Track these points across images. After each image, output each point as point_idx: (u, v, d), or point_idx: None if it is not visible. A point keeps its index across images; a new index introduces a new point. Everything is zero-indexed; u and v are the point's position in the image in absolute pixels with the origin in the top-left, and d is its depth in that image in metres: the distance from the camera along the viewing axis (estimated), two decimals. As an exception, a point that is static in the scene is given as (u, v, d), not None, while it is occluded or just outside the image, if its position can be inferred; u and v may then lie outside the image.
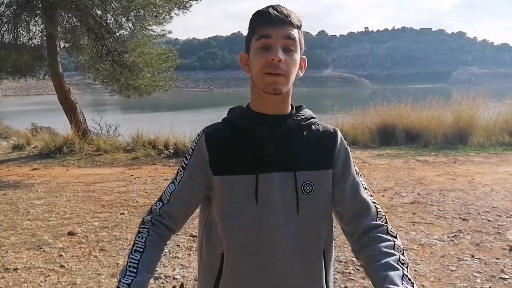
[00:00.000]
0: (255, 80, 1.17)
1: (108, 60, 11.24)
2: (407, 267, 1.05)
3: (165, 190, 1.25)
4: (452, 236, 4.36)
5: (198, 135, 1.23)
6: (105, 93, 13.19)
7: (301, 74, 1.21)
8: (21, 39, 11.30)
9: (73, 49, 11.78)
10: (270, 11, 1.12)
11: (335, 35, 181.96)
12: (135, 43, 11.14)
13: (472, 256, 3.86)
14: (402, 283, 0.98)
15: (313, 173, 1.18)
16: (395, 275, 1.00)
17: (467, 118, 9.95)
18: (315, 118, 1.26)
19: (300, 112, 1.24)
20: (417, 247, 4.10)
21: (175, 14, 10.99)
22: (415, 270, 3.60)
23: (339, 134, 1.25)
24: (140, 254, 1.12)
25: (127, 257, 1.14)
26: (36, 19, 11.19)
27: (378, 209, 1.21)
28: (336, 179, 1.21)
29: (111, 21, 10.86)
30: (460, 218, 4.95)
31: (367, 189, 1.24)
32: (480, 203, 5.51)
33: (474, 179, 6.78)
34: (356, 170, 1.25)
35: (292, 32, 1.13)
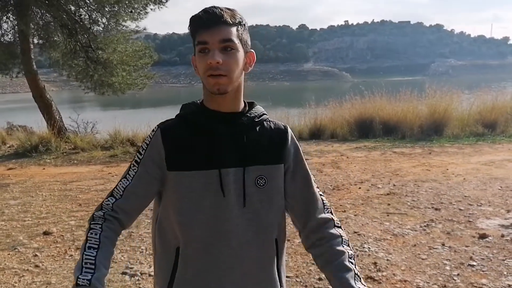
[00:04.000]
0: (203, 82, 1.21)
1: (82, 57, 11.05)
2: (354, 260, 1.20)
3: (116, 185, 1.23)
4: (425, 226, 4.47)
5: (153, 130, 1.25)
6: (82, 90, 12.95)
7: (250, 68, 1.24)
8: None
9: (46, 46, 11.54)
10: (201, 15, 1.14)
11: (316, 29, 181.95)
12: (109, 39, 10.98)
13: (443, 245, 3.96)
14: (355, 283, 1.13)
15: (266, 167, 1.24)
16: (349, 276, 1.15)
17: (442, 110, 10.16)
18: (266, 114, 1.30)
19: (253, 109, 1.28)
20: (390, 237, 4.19)
21: (151, 9, 10.88)
22: (387, 260, 3.68)
23: (290, 131, 1.32)
24: (95, 250, 1.10)
25: (80, 254, 1.12)
26: (8, 15, 10.93)
27: (324, 202, 1.31)
28: (289, 175, 1.28)
29: (85, 17, 10.69)
30: (432, 208, 5.07)
31: (314, 184, 1.32)
32: (453, 192, 5.65)
33: (447, 169, 6.93)
34: (307, 168, 1.32)
35: (227, 32, 1.14)
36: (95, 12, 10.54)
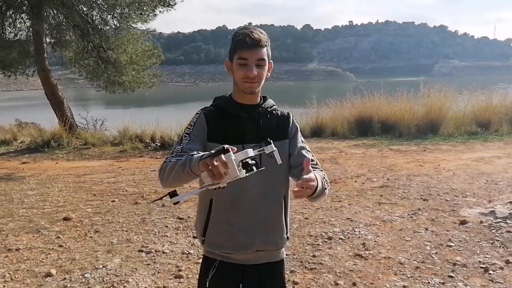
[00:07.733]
0: (237, 83, 1.70)
1: (93, 56, 11.52)
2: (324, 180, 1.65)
3: (175, 148, 1.67)
4: (412, 214, 4.89)
5: (197, 113, 1.75)
6: (88, 88, 13.47)
7: (269, 74, 1.73)
8: (7, 36, 11.49)
9: (59, 45, 12.00)
10: (247, 40, 1.60)
11: (320, 29, 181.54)
12: (120, 40, 11.45)
13: (426, 229, 4.38)
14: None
15: (276, 143, 1.70)
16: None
17: (437, 109, 10.54)
18: (275, 105, 1.84)
19: (266, 102, 1.81)
20: (380, 223, 4.61)
21: (160, 11, 11.34)
22: (375, 241, 4.11)
23: (291, 116, 1.86)
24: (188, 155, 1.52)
25: (181, 162, 1.50)
26: (22, 16, 11.39)
27: (313, 157, 1.79)
28: (290, 144, 1.80)
29: (96, 18, 11.14)
30: (421, 198, 5.48)
31: (309, 151, 1.81)
32: (442, 185, 6.06)
33: (439, 165, 7.33)
34: (302, 140, 1.83)
35: (262, 53, 1.63)
36: (106, 13, 11.00)
